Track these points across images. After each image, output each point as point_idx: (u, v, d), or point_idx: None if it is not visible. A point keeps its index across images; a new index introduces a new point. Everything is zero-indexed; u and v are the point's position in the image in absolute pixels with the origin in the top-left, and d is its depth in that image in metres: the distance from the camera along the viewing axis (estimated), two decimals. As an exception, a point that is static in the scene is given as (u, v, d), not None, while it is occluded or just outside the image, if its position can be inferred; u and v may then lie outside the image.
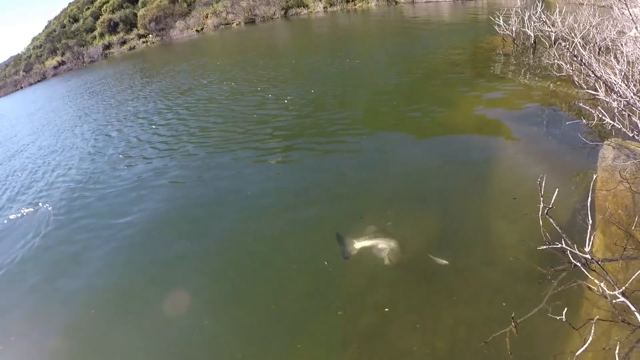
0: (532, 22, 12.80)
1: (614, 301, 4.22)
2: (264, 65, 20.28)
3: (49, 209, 9.91)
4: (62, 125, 19.60)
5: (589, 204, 5.40)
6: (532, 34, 12.79)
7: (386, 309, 5.02)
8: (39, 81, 57.43)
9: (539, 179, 5.34)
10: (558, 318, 4.13)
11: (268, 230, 7.02)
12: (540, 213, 5.20)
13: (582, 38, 10.74)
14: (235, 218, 7.60)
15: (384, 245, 5.84)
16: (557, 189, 5.29)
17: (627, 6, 8.46)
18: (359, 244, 5.96)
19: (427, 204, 6.69)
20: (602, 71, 7.49)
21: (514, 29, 13.61)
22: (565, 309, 4.16)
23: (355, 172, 8.10)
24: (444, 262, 5.47)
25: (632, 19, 8.58)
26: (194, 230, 7.51)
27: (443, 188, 7.02)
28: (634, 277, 4.14)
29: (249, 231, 7.10)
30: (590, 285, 4.58)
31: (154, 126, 14.57)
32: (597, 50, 10.35)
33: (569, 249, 4.69)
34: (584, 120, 7.64)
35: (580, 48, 9.00)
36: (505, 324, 4.46)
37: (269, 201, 7.81)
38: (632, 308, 3.98)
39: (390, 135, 9.56)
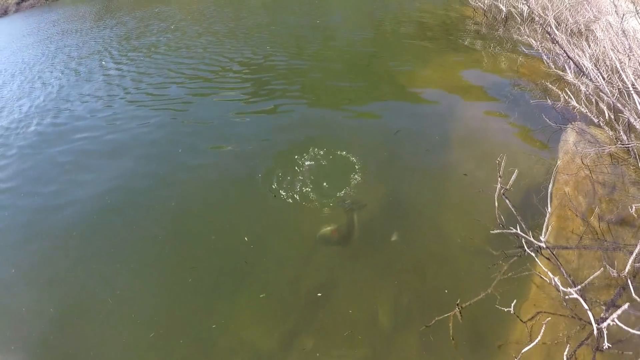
0: (506, -3, 12.37)
1: (567, 297, 3.89)
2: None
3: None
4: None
5: (549, 188, 5.08)
6: (504, 8, 12.35)
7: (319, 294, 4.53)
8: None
9: (498, 159, 4.92)
10: (506, 310, 3.76)
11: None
12: (496, 194, 4.79)
13: (555, 19, 10.37)
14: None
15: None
16: (516, 170, 4.91)
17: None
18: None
19: (379, 173, 6.17)
20: (574, 53, 7.12)
21: (486, 1, 13.12)
22: (515, 300, 3.80)
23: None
24: (394, 237, 5.03)
25: (614, 3, 8.20)
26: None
27: (396, 156, 6.53)
28: (591, 277, 3.79)
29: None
30: (541, 275, 4.24)
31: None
32: (569, 32, 10.02)
33: (523, 235, 4.33)
34: (549, 101, 7.29)
35: (553, 27, 8.61)
36: (450, 306, 4.07)
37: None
38: (585, 307, 3.65)
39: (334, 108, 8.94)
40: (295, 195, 5.87)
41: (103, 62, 13.78)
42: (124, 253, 5.50)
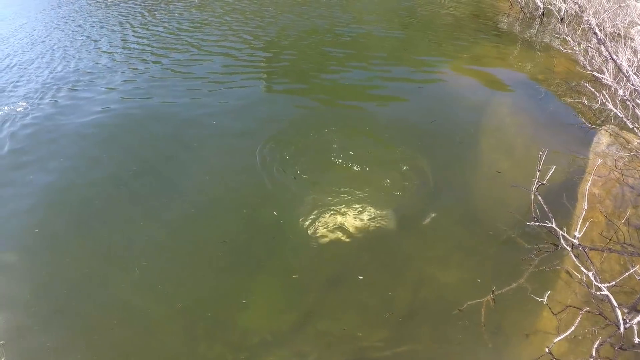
0: (544, -7, 12.13)
1: (596, 293, 3.94)
2: None
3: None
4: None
5: (582, 188, 5.09)
6: (541, 5, 12.14)
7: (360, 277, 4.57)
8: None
9: (540, 153, 4.93)
10: (540, 300, 3.84)
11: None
12: (534, 187, 4.81)
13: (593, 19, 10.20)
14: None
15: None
16: (554, 167, 4.92)
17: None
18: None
19: (412, 160, 6.17)
20: (616, 55, 7.03)
21: (523, -3, 12.90)
22: (549, 292, 3.87)
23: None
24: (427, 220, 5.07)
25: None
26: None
27: (429, 145, 6.52)
28: (622, 277, 3.84)
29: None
30: (572, 271, 4.29)
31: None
32: (606, 35, 9.88)
33: (559, 231, 4.36)
34: (584, 101, 7.24)
35: (596, 28, 8.48)
36: (480, 293, 4.13)
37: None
38: (614, 303, 3.71)
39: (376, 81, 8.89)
40: (325, 179, 5.89)
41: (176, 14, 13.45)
42: (153, 224, 5.46)
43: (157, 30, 12.83)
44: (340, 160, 6.16)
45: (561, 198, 5.40)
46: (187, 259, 4.94)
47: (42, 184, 6.16)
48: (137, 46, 11.76)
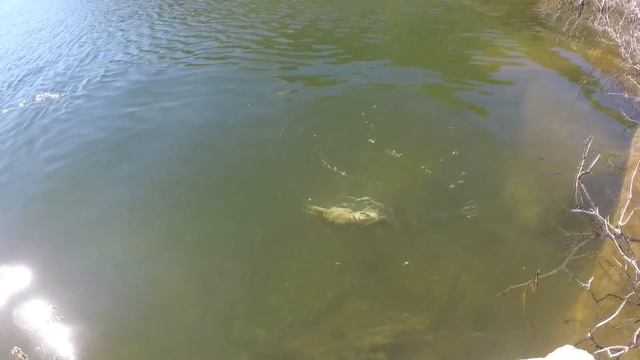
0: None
1: (637, 283, 3.94)
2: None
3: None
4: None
5: (627, 178, 5.04)
6: (581, -6, 11.82)
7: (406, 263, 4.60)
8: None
9: (586, 140, 4.87)
10: (583, 285, 3.85)
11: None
12: (579, 174, 4.76)
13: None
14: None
15: None
16: (599, 155, 4.87)
17: None
18: None
19: (449, 145, 6.14)
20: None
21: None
22: (592, 278, 3.86)
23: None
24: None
25: None
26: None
27: (469, 130, 6.52)
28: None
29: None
30: (615, 260, 4.27)
31: None
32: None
33: (602, 219, 4.33)
34: (626, 95, 7.07)
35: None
36: (520, 279, 4.15)
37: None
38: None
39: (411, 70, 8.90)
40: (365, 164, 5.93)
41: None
42: (193, 206, 5.67)
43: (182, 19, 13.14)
44: (378, 145, 6.21)
45: (603, 188, 5.33)
46: (228, 241, 5.12)
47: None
48: (164, 36, 12.10)
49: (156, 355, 4.04)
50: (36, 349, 4.05)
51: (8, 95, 9.74)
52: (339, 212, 5.09)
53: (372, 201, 5.28)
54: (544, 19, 11.36)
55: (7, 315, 4.42)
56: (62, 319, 4.32)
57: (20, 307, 4.50)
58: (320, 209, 5.18)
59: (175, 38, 11.83)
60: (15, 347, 4.03)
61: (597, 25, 10.11)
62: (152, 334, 4.21)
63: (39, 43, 13.47)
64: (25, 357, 3.94)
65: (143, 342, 4.16)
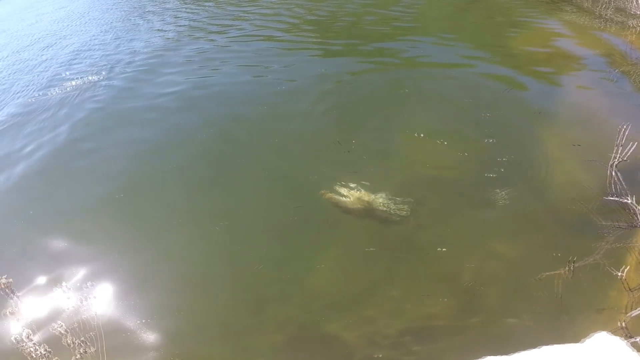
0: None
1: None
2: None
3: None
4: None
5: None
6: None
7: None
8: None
9: (621, 126, 4.78)
10: (616, 274, 3.83)
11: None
12: (615, 162, 4.70)
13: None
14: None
15: None
16: (635, 143, 4.78)
17: None
18: None
19: (485, 129, 6.13)
20: None
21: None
22: (627, 267, 3.85)
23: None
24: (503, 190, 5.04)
25: None
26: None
27: (503, 115, 6.52)
28: None
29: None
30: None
31: None
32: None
33: (639, 208, 4.29)
34: (664, 81, 6.86)
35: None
36: (552, 266, 4.17)
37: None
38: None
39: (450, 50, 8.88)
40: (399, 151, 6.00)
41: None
42: (230, 188, 5.84)
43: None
44: (413, 133, 6.24)
45: (638, 177, 5.25)
46: (264, 222, 5.26)
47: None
48: (190, 22, 12.24)
49: (189, 333, 4.17)
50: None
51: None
52: (370, 198, 5.15)
53: (404, 185, 5.36)
54: (577, 3, 10.94)
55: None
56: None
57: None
58: (350, 194, 5.24)
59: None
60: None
61: (636, 10, 9.69)
62: (185, 311, 4.36)
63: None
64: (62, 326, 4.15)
65: (176, 318, 4.32)
